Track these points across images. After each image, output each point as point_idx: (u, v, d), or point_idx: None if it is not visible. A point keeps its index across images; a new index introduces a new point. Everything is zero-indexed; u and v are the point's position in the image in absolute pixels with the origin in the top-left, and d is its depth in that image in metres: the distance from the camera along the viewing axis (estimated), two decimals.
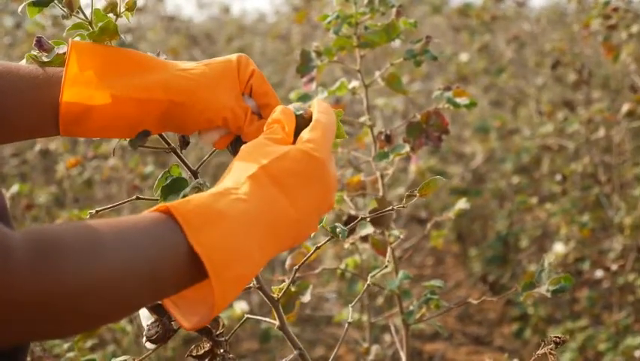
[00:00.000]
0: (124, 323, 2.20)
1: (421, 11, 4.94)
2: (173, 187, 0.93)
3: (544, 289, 1.13)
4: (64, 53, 0.90)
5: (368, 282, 1.18)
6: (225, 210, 0.72)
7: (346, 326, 1.11)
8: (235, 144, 0.95)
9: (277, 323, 1.02)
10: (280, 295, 1.03)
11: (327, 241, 1.05)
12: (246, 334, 3.06)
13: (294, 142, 0.83)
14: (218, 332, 0.96)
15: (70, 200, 3.10)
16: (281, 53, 4.78)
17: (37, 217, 2.93)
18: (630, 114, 2.57)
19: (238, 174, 0.77)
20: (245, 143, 0.83)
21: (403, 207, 0.99)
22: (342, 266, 1.68)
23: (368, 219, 1.19)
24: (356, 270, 1.71)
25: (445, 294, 3.45)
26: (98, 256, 0.65)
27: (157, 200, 0.94)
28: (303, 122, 0.86)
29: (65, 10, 0.91)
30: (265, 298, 1.02)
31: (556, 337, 1.05)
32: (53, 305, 0.62)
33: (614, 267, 2.73)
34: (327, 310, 2.94)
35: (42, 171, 3.55)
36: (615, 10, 2.36)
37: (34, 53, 0.92)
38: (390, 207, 1.04)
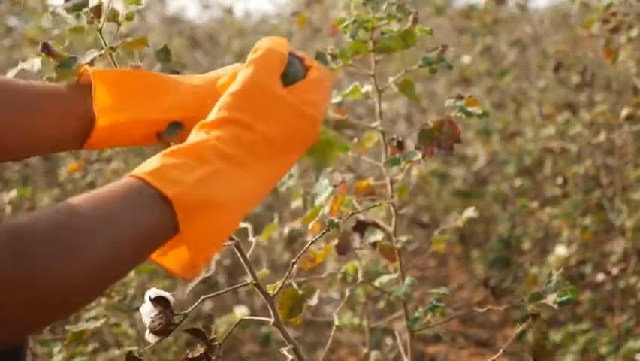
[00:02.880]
0: (126, 326, 2.20)
1: (424, 12, 4.94)
2: None
3: (551, 300, 1.13)
4: (78, 68, 0.94)
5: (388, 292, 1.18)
6: (215, 194, 0.74)
7: (334, 328, 1.11)
8: None
9: (272, 320, 1.04)
10: (275, 292, 1.05)
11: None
12: (246, 337, 3.07)
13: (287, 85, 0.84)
14: (211, 337, 0.97)
15: None
16: None
17: None
18: (630, 118, 2.57)
19: (230, 128, 0.78)
20: None
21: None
22: (342, 268, 1.68)
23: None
24: (356, 275, 1.71)
25: (448, 296, 3.44)
26: (65, 248, 0.65)
27: None
28: (295, 65, 0.86)
29: (90, 17, 0.95)
30: (261, 295, 1.04)
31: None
32: (35, 294, 0.63)
33: (616, 271, 2.73)
34: (328, 313, 2.94)
35: (44, 174, 3.56)
36: (614, 14, 2.36)
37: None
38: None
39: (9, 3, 3.89)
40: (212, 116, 0.79)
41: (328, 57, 1.34)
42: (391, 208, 1.39)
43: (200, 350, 0.96)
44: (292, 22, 4.51)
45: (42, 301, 0.63)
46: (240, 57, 4.47)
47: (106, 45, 0.98)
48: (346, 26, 1.33)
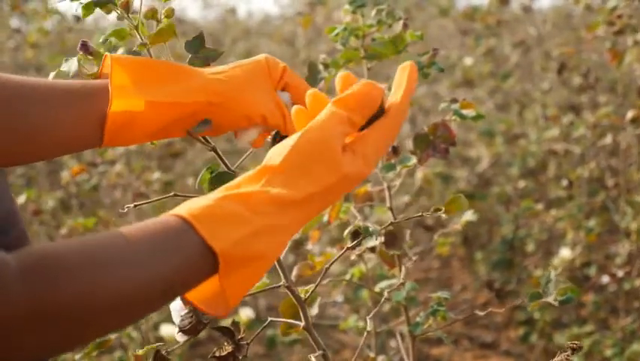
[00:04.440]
0: (130, 329, 2.20)
1: (428, 14, 4.94)
2: (221, 180, 0.93)
3: (551, 298, 1.13)
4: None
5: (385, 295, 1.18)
6: (265, 249, 0.71)
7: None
8: (274, 139, 0.95)
9: (302, 323, 1.03)
10: (307, 296, 1.04)
11: (342, 253, 1.06)
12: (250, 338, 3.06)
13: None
14: (239, 337, 0.97)
15: (76, 205, 3.11)
16: (286, 55, 4.78)
17: (44, 222, 2.94)
18: (635, 120, 2.57)
19: (297, 176, 0.75)
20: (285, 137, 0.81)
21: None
22: (349, 274, 1.68)
23: (380, 240, 1.19)
24: (361, 278, 1.71)
25: (451, 298, 3.44)
26: (99, 271, 0.63)
27: (194, 196, 0.95)
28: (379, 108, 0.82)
29: (120, 11, 0.95)
30: (293, 298, 1.04)
31: (573, 343, 1.06)
32: (52, 320, 0.61)
33: (620, 273, 2.73)
34: (334, 315, 2.94)
35: (47, 175, 3.56)
36: (619, 17, 2.36)
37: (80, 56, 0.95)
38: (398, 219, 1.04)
39: (10, 7, 3.90)
40: (275, 160, 0.75)
41: (321, 67, 1.34)
42: (390, 214, 1.38)
43: (227, 348, 0.96)
44: (296, 24, 4.51)
45: (62, 330, 0.62)
46: (244, 58, 4.45)
47: (142, 40, 0.97)
48: (337, 35, 1.33)
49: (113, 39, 0.97)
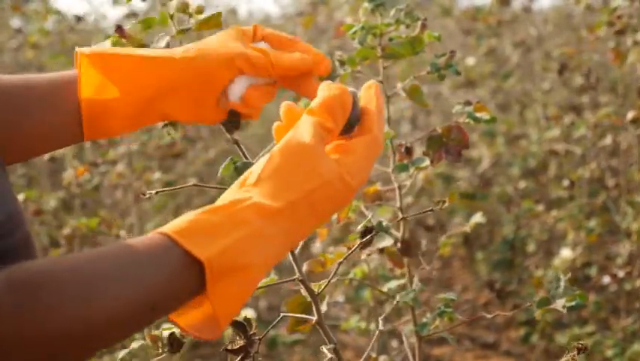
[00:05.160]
0: None
1: (430, 13, 4.94)
2: (244, 170, 0.93)
3: (559, 304, 1.13)
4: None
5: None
6: (251, 260, 0.70)
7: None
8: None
9: (315, 318, 1.04)
10: (320, 290, 1.04)
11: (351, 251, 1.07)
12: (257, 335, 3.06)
13: (341, 132, 0.81)
14: (251, 332, 0.97)
15: (77, 205, 3.11)
16: None
17: (45, 222, 2.94)
18: (635, 121, 2.57)
19: (276, 186, 0.74)
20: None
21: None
22: (351, 273, 1.68)
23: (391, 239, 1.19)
24: (364, 278, 1.72)
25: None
26: (90, 290, 0.63)
27: (216, 188, 0.94)
28: (354, 114, 0.81)
29: None
30: (306, 291, 1.03)
31: (578, 343, 1.07)
32: (42, 339, 0.61)
33: (621, 273, 2.73)
34: (335, 315, 2.94)
35: (48, 175, 3.56)
36: (620, 17, 2.36)
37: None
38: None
39: (10, 8, 3.91)
40: (255, 174, 0.75)
41: (336, 63, 1.34)
42: (399, 213, 1.39)
43: (240, 342, 0.97)
44: (296, 24, 4.51)
45: (52, 350, 0.62)
46: None
47: (176, 29, 0.97)
48: (354, 32, 1.33)
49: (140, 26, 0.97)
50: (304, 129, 0.76)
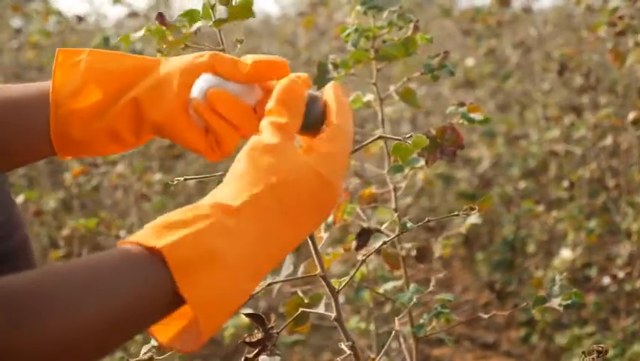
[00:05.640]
0: None
1: (429, 14, 4.94)
2: None
3: (555, 303, 1.13)
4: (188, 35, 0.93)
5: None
6: (216, 247, 0.66)
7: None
8: None
9: (334, 314, 1.04)
10: (341, 287, 1.05)
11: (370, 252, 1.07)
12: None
13: (304, 132, 0.79)
14: (270, 325, 0.98)
15: (77, 206, 3.11)
16: (288, 56, 4.78)
17: (45, 223, 2.95)
18: (635, 122, 2.57)
19: (238, 186, 0.71)
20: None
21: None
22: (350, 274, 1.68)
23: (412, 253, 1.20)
24: (363, 279, 1.72)
25: (453, 299, 3.44)
26: (61, 308, 0.61)
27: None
28: (314, 110, 0.80)
29: None
30: (327, 289, 1.04)
31: (599, 346, 1.08)
32: (18, 356, 0.59)
33: (621, 274, 2.73)
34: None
35: (48, 175, 3.56)
36: (621, 17, 2.36)
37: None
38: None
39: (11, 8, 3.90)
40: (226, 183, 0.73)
41: (330, 66, 1.34)
42: (395, 215, 1.39)
43: (258, 335, 0.97)
44: (297, 24, 4.52)
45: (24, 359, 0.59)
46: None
47: (214, 17, 0.97)
48: (348, 35, 1.33)
49: (185, 19, 0.97)
50: (265, 130, 0.75)
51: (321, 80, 1.36)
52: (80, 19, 3.99)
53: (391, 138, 0.93)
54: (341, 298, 2.32)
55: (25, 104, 0.86)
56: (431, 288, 1.32)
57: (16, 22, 4.41)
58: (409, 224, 1.10)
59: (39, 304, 0.60)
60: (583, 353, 1.07)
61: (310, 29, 3.65)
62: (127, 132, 0.87)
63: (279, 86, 0.78)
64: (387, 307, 2.52)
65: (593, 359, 1.05)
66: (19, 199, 2.52)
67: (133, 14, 4.02)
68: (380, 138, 0.92)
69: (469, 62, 4.01)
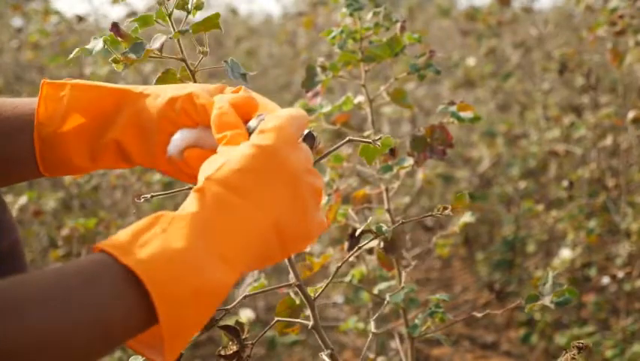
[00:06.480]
0: None
1: (429, 14, 4.94)
2: None
3: (547, 300, 1.13)
4: (153, 50, 0.90)
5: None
6: (173, 247, 0.65)
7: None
8: None
9: (311, 323, 1.03)
10: (317, 295, 1.04)
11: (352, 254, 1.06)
12: (251, 339, 3.07)
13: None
14: (244, 336, 0.97)
15: (76, 206, 3.11)
16: (288, 56, 4.78)
17: (45, 223, 2.94)
18: (635, 121, 2.57)
19: (195, 195, 0.70)
20: None
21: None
22: (349, 275, 1.68)
23: (380, 246, 1.19)
24: (362, 280, 1.72)
25: (452, 298, 3.44)
26: (18, 316, 0.59)
27: None
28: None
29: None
30: (302, 297, 1.03)
31: (579, 343, 1.07)
32: None
33: (621, 274, 2.73)
34: (334, 316, 2.95)
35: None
36: (621, 17, 2.36)
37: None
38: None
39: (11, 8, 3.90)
40: (200, 183, 0.71)
41: (319, 69, 1.34)
42: (388, 216, 1.38)
43: (232, 348, 0.96)
44: (297, 24, 4.51)
45: None
46: (245, 59, 4.47)
47: (174, 30, 0.94)
48: (334, 37, 1.33)
49: (137, 24, 0.94)
50: (269, 147, 0.74)
51: (309, 83, 1.36)
52: (80, 19, 3.99)
53: (359, 140, 0.92)
54: (340, 299, 2.33)
55: (8, 131, 0.86)
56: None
57: (16, 22, 4.41)
58: (384, 227, 1.09)
59: None
60: (564, 350, 1.06)
61: (310, 29, 3.65)
62: (111, 163, 0.88)
63: (212, 117, 0.78)
64: (387, 308, 2.52)
65: (573, 355, 1.05)
66: (22, 200, 2.52)
67: (133, 14, 4.02)
68: (349, 140, 0.91)
69: (471, 61, 4.01)
